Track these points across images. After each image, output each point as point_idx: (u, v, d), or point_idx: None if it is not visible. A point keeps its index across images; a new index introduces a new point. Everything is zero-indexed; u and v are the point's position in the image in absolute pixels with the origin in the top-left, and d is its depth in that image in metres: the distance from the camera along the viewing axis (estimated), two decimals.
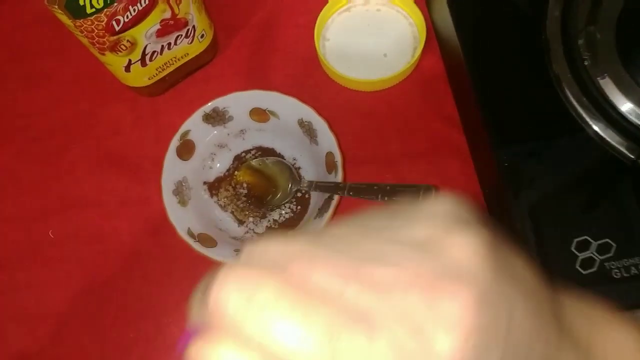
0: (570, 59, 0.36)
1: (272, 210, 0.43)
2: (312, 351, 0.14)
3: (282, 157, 0.45)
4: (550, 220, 0.35)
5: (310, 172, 0.44)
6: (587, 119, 0.35)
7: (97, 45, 0.39)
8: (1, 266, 0.44)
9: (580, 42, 0.36)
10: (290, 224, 0.42)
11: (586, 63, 0.35)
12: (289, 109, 0.41)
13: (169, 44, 0.42)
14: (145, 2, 0.37)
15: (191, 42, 0.44)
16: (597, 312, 0.22)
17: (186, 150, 0.42)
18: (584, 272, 0.33)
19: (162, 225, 0.39)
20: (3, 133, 0.48)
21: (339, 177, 0.39)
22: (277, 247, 0.16)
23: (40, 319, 0.42)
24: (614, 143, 0.34)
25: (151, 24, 0.40)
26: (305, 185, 0.42)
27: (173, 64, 0.45)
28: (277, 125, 0.43)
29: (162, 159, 0.40)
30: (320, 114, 0.40)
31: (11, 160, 0.47)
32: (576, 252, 0.33)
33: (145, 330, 0.41)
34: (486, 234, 0.16)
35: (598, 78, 0.35)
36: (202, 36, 0.45)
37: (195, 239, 0.38)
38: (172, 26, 0.41)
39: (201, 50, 0.46)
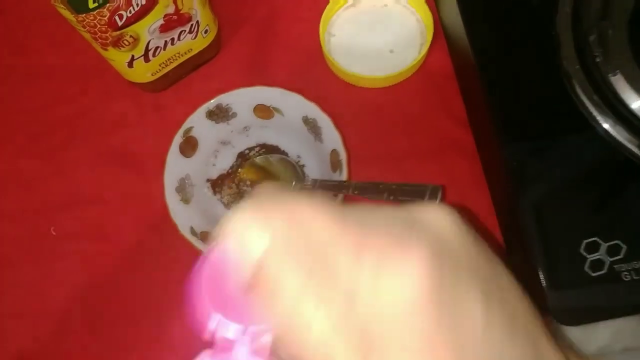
0: (581, 55, 0.35)
1: None
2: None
3: (286, 154, 0.44)
4: (559, 220, 0.34)
5: (314, 170, 0.43)
6: (597, 117, 0.34)
7: (100, 40, 0.38)
8: (2, 263, 0.44)
9: (592, 38, 0.35)
10: None
11: (597, 60, 0.34)
12: (294, 105, 0.40)
13: (173, 39, 0.42)
14: None
15: (195, 38, 0.44)
16: None
17: (189, 147, 0.41)
18: (593, 274, 0.32)
19: (165, 223, 0.38)
20: (5, 129, 0.48)
21: (343, 176, 0.38)
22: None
23: (41, 317, 0.42)
24: (624, 141, 0.33)
25: (154, 19, 0.39)
26: (309, 183, 0.41)
27: (176, 59, 0.44)
28: (281, 122, 0.42)
29: (165, 155, 0.40)
30: (325, 111, 0.39)
31: (13, 156, 0.47)
32: (585, 254, 0.33)
33: (147, 328, 0.41)
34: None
35: (609, 75, 0.34)
36: (205, 32, 0.44)
37: (197, 237, 0.38)
38: (175, 21, 0.41)
39: (205, 45, 0.45)
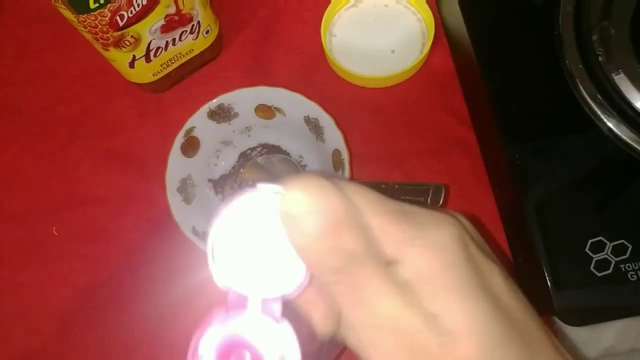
0: (584, 54, 0.35)
1: None
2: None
3: (288, 154, 0.44)
4: (563, 220, 0.34)
5: (316, 169, 0.43)
6: (601, 116, 0.34)
7: (101, 40, 0.38)
8: (5, 264, 0.44)
9: (594, 37, 0.35)
10: None
11: (600, 59, 0.34)
12: (295, 105, 0.40)
13: (174, 39, 0.42)
14: None
15: (196, 38, 0.43)
16: None
17: (191, 147, 0.41)
18: (598, 274, 0.32)
19: (167, 223, 0.38)
20: (7, 129, 0.48)
21: (346, 175, 0.38)
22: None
23: (44, 317, 0.42)
24: (628, 140, 0.33)
25: (155, 19, 0.39)
26: None
27: (178, 60, 0.44)
28: (283, 122, 0.42)
29: (166, 156, 0.40)
30: (327, 110, 0.39)
31: (15, 157, 0.47)
32: (591, 254, 0.33)
33: (149, 328, 0.41)
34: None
35: (612, 74, 0.34)
36: (207, 32, 0.44)
37: (199, 237, 0.38)
38: (176, 22, 0.41)
39: (206, 46, 0.45)
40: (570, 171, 0.35)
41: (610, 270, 0.32)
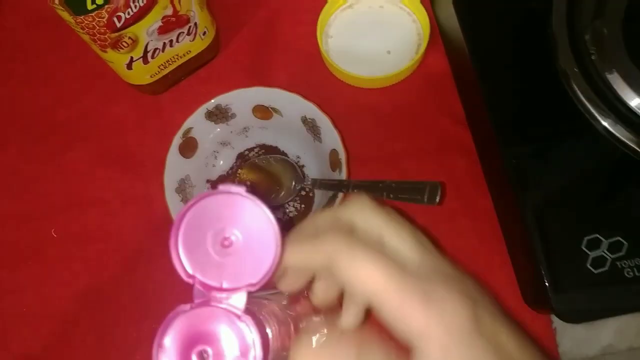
0: (577, 54, 0.35)
1: (276, 208, 0.42)
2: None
3: (286, 155, 0.44)
4: (560, 218, 0.34)
5: (314, 169, 0.43)
6: (596, 115, 0.34)
7: (99, 42, 0.38)
8: (4, 265, 0.44)
9: (587, 37, 0.35)
10: (294, 223, 0.42)
11: (593, 58, 0.35)
12: (293, 106, 0.40)
13: (171, 41, 0.42)
14: None
15: (193, 40, 0.44)
16: None
17: (189, 148, 0.41)
18: (595, 272, 0.32)
19: (165, 224, 0.38)
20: (5, 132, 0.48)
21: (343, 175, 0.38)
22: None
23: (43, 319, 0.42)
24: (623, 139, 0.33)
25: (152, 20, 0.39)
26: (309, 183, 0.41)
27: (175, 61, 0.44)
28: (281, 123, 0.42)
29: (164, 157, 0.40)
30: (323, 111, 0.39)
31: (14, 159, 0.47)
32: (587, 251, 0.33)
33: (148, 329, 0.41)
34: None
35: (606, 73, 0.34)
36: (204, 33, 0.44)
37: None
38: (173, 23, 0.41)
39: (203, 47, 0.45)
40: (566, 170, 0.36)
41: (606, 268, 0.32)
